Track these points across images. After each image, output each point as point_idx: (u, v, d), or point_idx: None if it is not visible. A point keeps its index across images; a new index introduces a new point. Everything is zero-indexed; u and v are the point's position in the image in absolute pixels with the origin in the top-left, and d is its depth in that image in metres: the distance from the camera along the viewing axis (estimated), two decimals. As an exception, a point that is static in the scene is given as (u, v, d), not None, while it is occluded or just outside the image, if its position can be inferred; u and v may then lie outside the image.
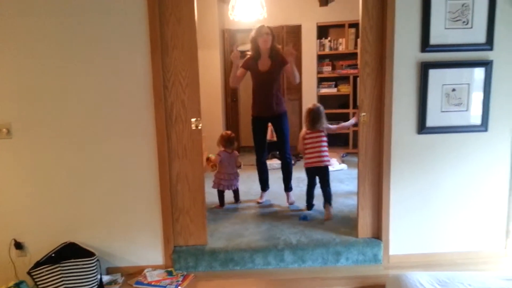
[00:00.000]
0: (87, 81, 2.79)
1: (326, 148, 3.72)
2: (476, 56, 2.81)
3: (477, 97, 2.85)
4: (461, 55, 2.81)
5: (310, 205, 3.85)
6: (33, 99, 2.79)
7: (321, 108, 3.74)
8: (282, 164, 4.10)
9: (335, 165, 5.46)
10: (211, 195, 4.03)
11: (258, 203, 4.13)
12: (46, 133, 2.83)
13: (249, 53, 3.93)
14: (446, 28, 2.77)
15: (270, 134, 6.34)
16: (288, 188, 4.10)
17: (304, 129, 3.86)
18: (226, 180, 4.03)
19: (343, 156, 6.14)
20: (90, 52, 2.76)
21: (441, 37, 2.78)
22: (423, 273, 2.52)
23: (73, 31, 2.72)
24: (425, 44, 2.78)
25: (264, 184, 4.23)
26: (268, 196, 4.24)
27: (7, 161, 2.85)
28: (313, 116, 3.70)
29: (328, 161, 3.76)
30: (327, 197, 3.68)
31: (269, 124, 4.12)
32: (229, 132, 4.23)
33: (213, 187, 4.06)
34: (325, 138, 3.72)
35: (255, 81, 3.96)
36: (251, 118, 4.09)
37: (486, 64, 2.81)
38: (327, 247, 3.02)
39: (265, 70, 3.85)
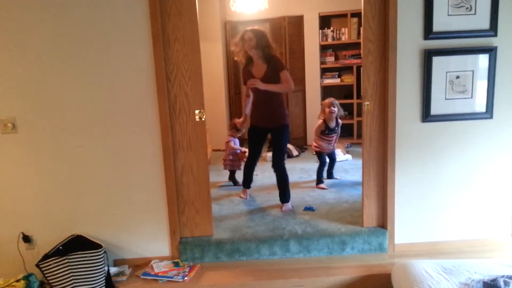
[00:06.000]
0: (90, 74, 2.79)
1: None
2: (480, 42, 2.79)
3: (481, 84, 2.83)
4: (465, 41, 2.78)
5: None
6: (37, 94, 2.80)
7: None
8: (277, 177, 3.71)
9: (340, 156, 5.46)
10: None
11: (241, 197, 4.05)
12: (51, 127, 2.84)
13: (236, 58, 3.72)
14: (449, 15, 2.74)
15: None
16: (284, 199, 3.67)
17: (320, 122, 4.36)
18: (232, 160, 4.54)
19: (347, 147, 6.13)
20: (92, 46, 2.76)
21: (444, 24, 2.75)
22: (429, 261, 2.52)
23: (75, 25, 2.72)
24: (428, 31, 2.75)
25: (248, 182, 4.08)
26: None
27: (14, 155, 2.87)
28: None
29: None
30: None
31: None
32: (237, 120, 4.51)
33: (224, 168, 4.64)
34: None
35: (252, 90, 3.63)
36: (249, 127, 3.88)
37: (490, 51, 2.78)
38: (332, 237, 3.03)
39: (261, 76, 3.51)
